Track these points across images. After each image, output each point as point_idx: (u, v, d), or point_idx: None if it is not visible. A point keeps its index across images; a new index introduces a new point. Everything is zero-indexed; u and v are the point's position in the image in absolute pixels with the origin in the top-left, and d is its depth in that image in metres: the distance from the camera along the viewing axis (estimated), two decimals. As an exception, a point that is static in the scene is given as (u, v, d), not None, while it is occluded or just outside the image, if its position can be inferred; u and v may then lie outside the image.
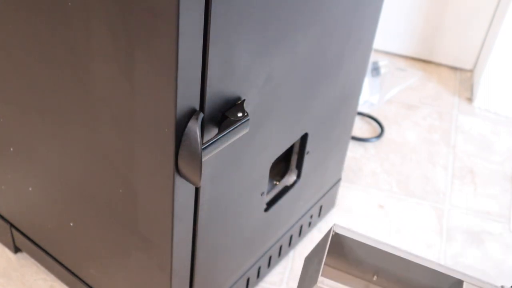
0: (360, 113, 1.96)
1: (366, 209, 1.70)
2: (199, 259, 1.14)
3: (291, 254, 1.56)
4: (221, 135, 0.92)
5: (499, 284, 0.81)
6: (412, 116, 2.00)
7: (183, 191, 0.98)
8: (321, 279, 0.82)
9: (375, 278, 0.86)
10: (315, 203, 1.53)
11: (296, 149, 1.32)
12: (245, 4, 0.87)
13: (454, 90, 2.10)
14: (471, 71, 2.16)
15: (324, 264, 0.88)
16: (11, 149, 1.23)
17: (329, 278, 0.86)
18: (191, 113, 0.88)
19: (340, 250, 0.87)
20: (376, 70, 2.03)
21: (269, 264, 1.47)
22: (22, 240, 1.42)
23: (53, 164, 1.15)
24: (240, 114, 0.95)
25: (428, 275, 0.83)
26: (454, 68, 2.18)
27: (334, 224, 0.87)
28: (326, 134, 1.37)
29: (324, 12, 1.08)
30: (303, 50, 1.08)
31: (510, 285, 0.83)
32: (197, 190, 1.01)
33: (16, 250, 1.49)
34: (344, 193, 1.73)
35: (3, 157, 1.27)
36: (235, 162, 1.07)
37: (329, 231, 0.87)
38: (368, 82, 1.98)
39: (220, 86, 0.92)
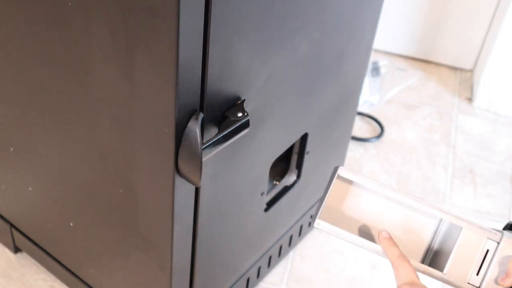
0: (360, 113, 1.96)
1: (366, 209, 1.69)
2: (199, 259, 1.14)
3: (291, 254, 1.56)
4: (221, 135, 0.92)
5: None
6: (412, 116, 2.00)
7: (183, 191, 0.98)
8: (318, 222, 0.86)
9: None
10: (315, 203, 1.53)
11: (296, 149, 1.32)
12: (245, 4, 0.87)
13: (454, 90, 2.10)
14: (471, 71, 2.16)
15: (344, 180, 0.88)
16: (11, 149, 1.23)
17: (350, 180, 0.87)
18: (191, 113, 0.88)
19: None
20: (376, 70, 2.03)
21: (269, 264, 1.47)
22: (22, 240, 1.42)
23: (53, 164, 1.15)
24: (240, 114, 0.95)
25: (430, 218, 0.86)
26: (454, 68, 2.18)
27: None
28: (326, 134, 1.37)
29: (324, 12, 1.08)
30: (303, 50, 1.08)
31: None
32: (197, 190, 1.01)
33: (16, 250, 1.49)
34: (344, 193, 1.73)
35: (3, 157, 1.27)
36: (235, 162, 1.07)
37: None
38: (368, 82, 1.98)
39: (220, 86, 0.92)
